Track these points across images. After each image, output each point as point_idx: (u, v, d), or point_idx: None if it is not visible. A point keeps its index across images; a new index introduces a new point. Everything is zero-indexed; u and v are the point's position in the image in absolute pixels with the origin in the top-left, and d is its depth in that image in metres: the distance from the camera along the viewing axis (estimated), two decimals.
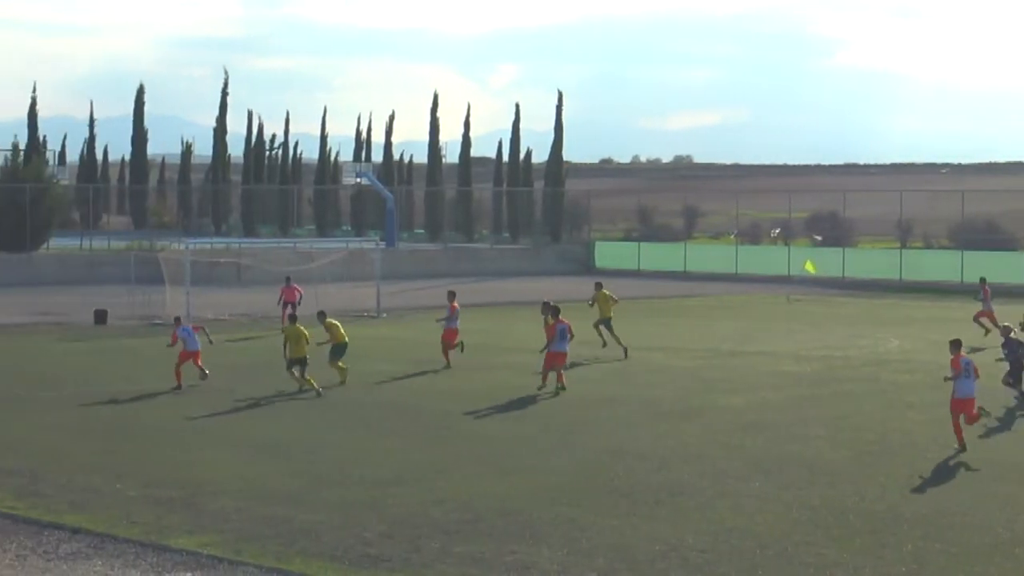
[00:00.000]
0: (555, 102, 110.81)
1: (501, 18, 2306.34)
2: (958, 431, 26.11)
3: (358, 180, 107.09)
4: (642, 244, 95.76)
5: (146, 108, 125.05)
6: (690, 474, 23.32)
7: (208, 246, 71.63)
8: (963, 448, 25.82)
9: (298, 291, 47.59)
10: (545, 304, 35.49)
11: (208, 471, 23.08)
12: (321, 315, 35.52)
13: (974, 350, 40.96)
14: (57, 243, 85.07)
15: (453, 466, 23.84)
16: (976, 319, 46.76)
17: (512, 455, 24.96)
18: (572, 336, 34.49)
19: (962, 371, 26.54)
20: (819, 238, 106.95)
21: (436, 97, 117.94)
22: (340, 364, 34.32)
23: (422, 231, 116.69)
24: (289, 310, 43.37)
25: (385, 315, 52.81)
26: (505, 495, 21.38)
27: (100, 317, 49.86)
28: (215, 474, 22.81)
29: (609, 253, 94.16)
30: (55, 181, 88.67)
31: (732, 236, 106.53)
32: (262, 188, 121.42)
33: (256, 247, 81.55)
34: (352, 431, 27.64)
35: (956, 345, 27.27)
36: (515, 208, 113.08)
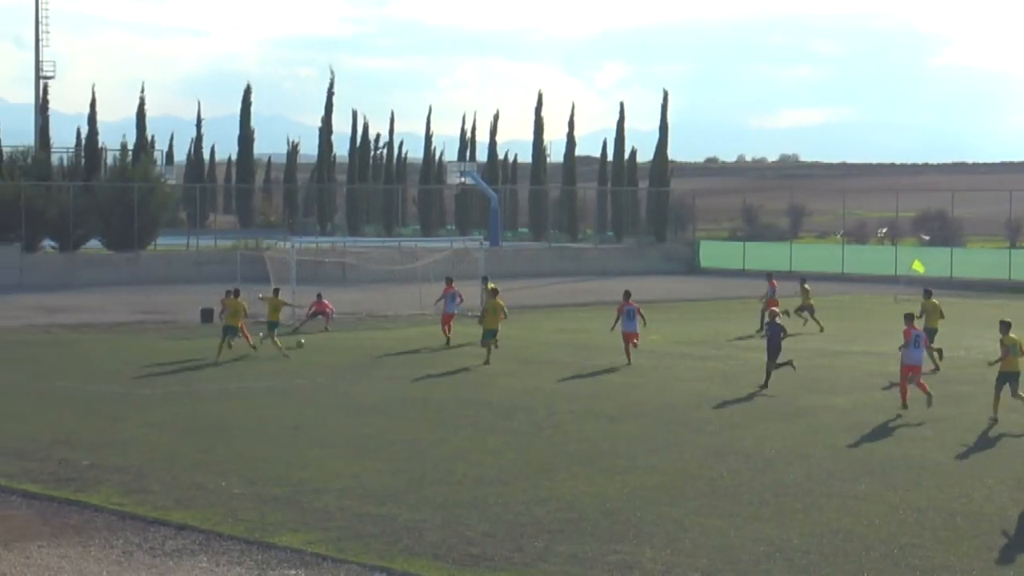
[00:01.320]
0: (660, 101, 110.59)
1: (608, 17, 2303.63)
2: (904, 391, 30.76)
3: (462, 179, 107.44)
4: (747, 244, 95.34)
5: (252, 108, 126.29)
6: (795, 475, 23.11)
7: (313, 245, 71.97)
8: (905, 406, 30.32)
9: (328, 307, 49.68)
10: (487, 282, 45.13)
11: (311, 469, 23.18)
12: (276, 290, 43.22)
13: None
14: (164, 242, 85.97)
15: (556, 465, 23.77)
16: (764, 311, 46.58)
17: (615, 455, 24.87)
18: (643, 318, 39.26)
19: (912, 341, 30.87)
20: (927, 237, 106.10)
21: (541, 96, 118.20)
22: (274, 339, 40.54)
23: (526, 230, 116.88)
24: (315, 316, 48.84)
25: None
26: (608, 495, 21.30)
27: (206, 316, 50.31)
28: (318, 472, 22.90)
29: (714, 253, 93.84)
30: (163, 181, 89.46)
31: (839, 236, 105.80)
32: (367, 187, 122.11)
33: (361, 246, 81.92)
34: (454, 430, 27.64)
35: (909, 318, 31.37)
36: (619, 207, 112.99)
